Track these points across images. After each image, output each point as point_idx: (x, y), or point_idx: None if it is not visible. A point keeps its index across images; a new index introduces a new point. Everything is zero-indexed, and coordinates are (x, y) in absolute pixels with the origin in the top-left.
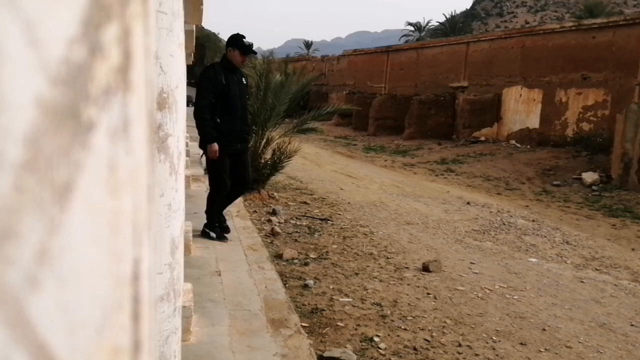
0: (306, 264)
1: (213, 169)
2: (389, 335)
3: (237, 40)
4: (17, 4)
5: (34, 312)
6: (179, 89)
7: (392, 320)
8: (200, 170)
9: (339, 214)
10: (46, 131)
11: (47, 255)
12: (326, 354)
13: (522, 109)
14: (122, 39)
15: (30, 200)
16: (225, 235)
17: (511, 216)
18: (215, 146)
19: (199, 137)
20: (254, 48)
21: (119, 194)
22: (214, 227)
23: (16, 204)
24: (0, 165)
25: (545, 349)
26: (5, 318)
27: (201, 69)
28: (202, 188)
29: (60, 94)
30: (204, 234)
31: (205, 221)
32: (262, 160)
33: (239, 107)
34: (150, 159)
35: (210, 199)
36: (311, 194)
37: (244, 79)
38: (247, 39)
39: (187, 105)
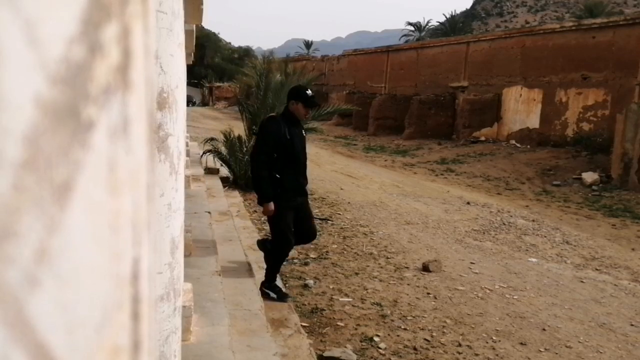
0: (306, 264)
1: (276, 225)
2: (389, 335)
3: (300, 93)
4: (17, 3)
5: (33, 311)
6: (179, 89)
7: (392, 320)
8: (200, 170)
9: (339, 214)
10: (45, 130)
11: (46, 255)
12: (326, 354)
13: (522, 108)
14: (121, 38)
15: (29, 199)
16: (286, 292)
17: (511, 216)
18: (272, 206)
19: (254, 189)
20: (254, 48)
21: (119, 194)
22: (274, 286)
23: (15, 203)
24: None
25: (545, 349)
26: (5, 317)
27: (201, 69)
28: (203, 188)
29: (59, 93)
30: (263, 295)
31: (263, 279)
32: None
33: (302, 162)
34: (150, 158)
35: (272, 257)
36: (311, 194)
37: (303, 132)
38: (310, 92)
39: (187, 105)
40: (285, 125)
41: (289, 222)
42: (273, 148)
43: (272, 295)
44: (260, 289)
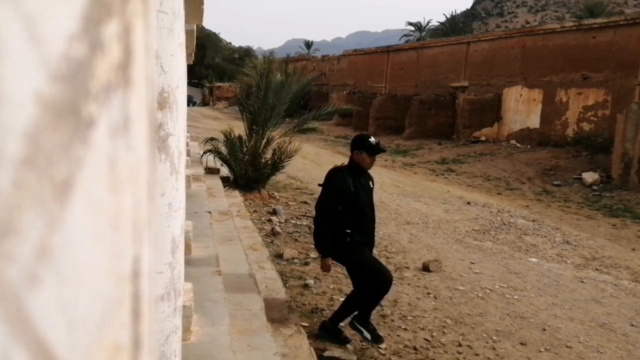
0: (306, 264)
1: (362, 269)
2: (389, 335)
3: (363, 141)
4: (18, 1)
5: (33, 309)
6: (180, 89)
7: (392, 320)
8: (200, 170)
9: None
10: (46, 127)
11: (47, 252)
12: (326, 354)
13: (522, 108)
14: (122, 36)
15: (30, 196)
16: (381, 335)
17: (511, 216)
18: (329, 261)
19: (314, 241)
20: (254, 48)
21: (119, 191)
22: (368, 323)
23: (16, 200)
24: (0, 161)
25: (546, 349)
26: (5, 314)
27: (201, 69)
28: (203, 188)
29: (60, 90)
30: (354, 329)
31: (353, 319)
32: (263, 160)
33: (369, 214)
34: (150, 156)
35: (357, 297)
36: (311, 194)
37: (370, 182)
38: (373, 139)
39: (188, 105)
40: (350, 177)
41: (373, 258)
42: (337, 201)
43: (366, 334)
44: (351, 323)
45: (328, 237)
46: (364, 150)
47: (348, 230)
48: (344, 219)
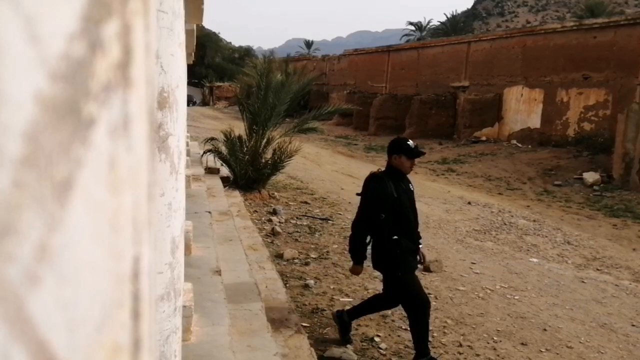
0: (307, 264)
1: (405, 288)
2: (389, 335)
3: (401, 144)
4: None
5: (33, 309)
6: (180, 89)
7: (393, 321)
8: (200, 170)
9: (340, 214)
10: (46, 127)
11: (47, 252)
12: (327, 354)
13: (523, 108)
14: (122, 35)
15: (29, 196)
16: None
17: (512, 216)
18: (360, 269)
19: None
20: (254, 48)
21: (119, 191)
22: (430, 358)
23: (16, 200)
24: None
25: (546, 349)
26: (5, 315)
27: (201, 69)
28: (203, 188)
29: (60, 90)
30: None
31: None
32: (263, 160)
33: (412, 219)
34: (150, 156)
35: (416, 323)
36: (312, 194)
37: (410, 185)
38: (411, 142)
39: (188, 105)
40: (391, 183)
41: (416, 282)
42: (380, 209)
43: None
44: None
45: (364, 245)
46: (402, 153)
47: (395, 237)
48: (389, 226)
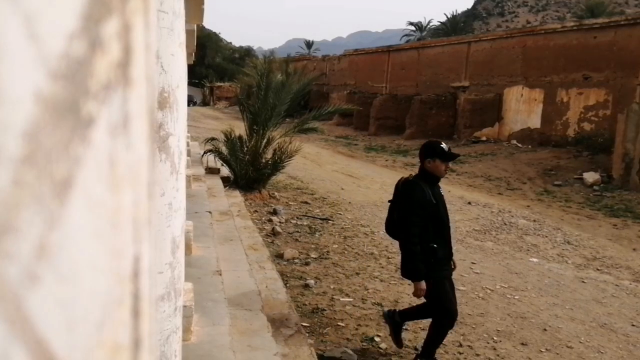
0: (307, 264)
1: (436, 296)
2: (390, 335)
3: (435, 148)
4: None
5: (33, 307)
6: (180, 89)
7: None
8: (201, 170)
9: (340, 214)
10: (46, 126)
11: (46, 251)
12: (327, 354)
13: (523, 108)
14: (122, 34)
15: (29, 194)
16: None
17: (512, 216)
18: (423, 284)
19: (402, 265)
20: (255, 48)
21: (119, 190)
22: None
23: (15, 199)
24: None
25: (546, 349)
26: (4, 313)
27: (202, 69)
28: (203, 188)
29: (60, 88)
30: None
31: (419, 352)
32: (263, 160)
33: (448, 226)
34: (150, 155)
35: (436, 330)
36: (312, 194)
37: (441, 190)
38: (444, 144)
39: (188, 105)
40: (428, 189)
41: (448, 290)
42: (423, 217)
43: None
44: (416, 359)
45: (420, 258)
46: (436, 157)
47: (434, 245)
48: (427, 234)
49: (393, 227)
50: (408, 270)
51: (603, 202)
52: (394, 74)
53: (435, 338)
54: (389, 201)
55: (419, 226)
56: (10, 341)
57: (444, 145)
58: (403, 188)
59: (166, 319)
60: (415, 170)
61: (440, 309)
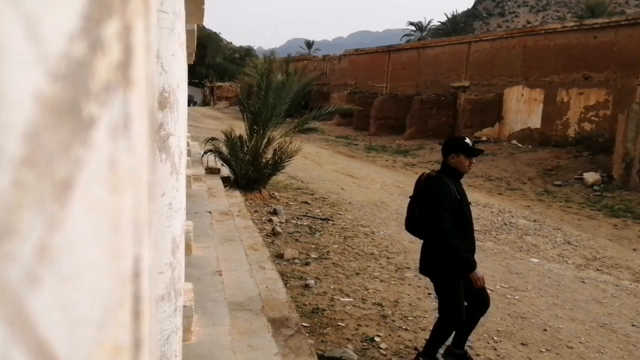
0: (307, 264)
1: (450, 297)
2: (390, 335)
3: (460, 143)
4: None
5: (34, 309)
6: (180, 89)
7: (393, 320)
8: (201, 170)
9: (340, 214)
10: (46, 127)
11: (47, 252)
12: (327, 354)
13: (523, 108)
14: (122, 35)
15: (30, 196)
16: None
17: (512, 216)
18: (480, 273)
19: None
20: (255, 48)
21: (120, 191)
22: (433, 358)
23: (16, 200)
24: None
25: (547, 349)
26: (5, 315)
27: (202, 69)
28: (204, 188)
29: (60, 89)
30: None
31: (422, 349)
32: (263, 160)
33: (471, 222)
34: (151, 156)
35: (440, 329)
36: (312, 194)
37: (463, 186)
38: (468, 140)
39: (188, 105)
40: (452, 184)
41: (461, 292)
42: (451, 211)
43: None
44: (417, 358)
45: (464, 247)
46: (461, 152)
47: (456, 241)
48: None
49: (415, 224)
50: (459, 264)
51: (603, 202)
52: (394, 74)
53: (438, 337)
54: (409, 197)
55: (451, 220)
56: (11, 343)
57: (468, 140)
58: (426, 184)
59: (166, 319)
60: (415, 170)
61: (450, 308)
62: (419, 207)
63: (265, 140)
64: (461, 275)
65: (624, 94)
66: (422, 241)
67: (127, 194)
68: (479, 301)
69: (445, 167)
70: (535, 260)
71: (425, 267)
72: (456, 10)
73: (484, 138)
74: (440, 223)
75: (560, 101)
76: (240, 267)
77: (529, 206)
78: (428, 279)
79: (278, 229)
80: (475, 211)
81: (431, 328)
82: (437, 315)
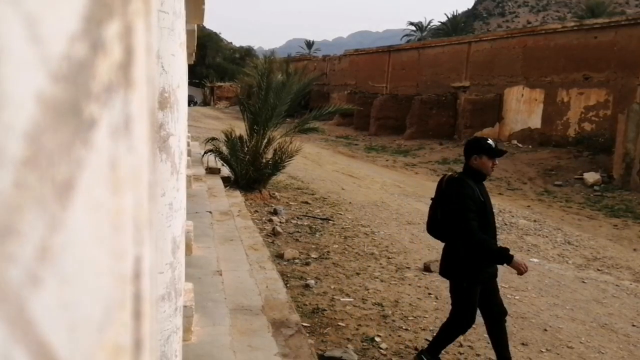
0: (307, 264)
1: (464, 301)
2: (390, 335)
3: (482, 144)
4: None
5: (35, 309)
6: (181, 89)
7: (394, 321)
8: (201, 170)
9: (340, 214)
10: (47, 128)
11: (48, 253)
12: (327, 354)
13: (523, 109)
14: (123, 36)
15: (31, 197)
16: None
17: (513, 216)
18: (518, 258)
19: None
20: (255, 48)
21: (120, 192)
22: (436, 358)
23: (17, 201)
24: (1, 161)
25: (547, 349)
26: (6, 316)
27: (202, 69)
28: (204, 188)
29: (61, 90)
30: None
31: (424, 348)
32: (264, 160)
33: (494, 225)
34: (151, 156)
35: (448, 330)
36: (312, 194)
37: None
38: (491, 140)
39: (189, 105)
40: (475, 187)
41: (476, 299)
42: (475, 212)
43: None
44: (419, 356)
45: (493, 241)
46: (483, 153)
47: (485, 237)
48: None
49: (436, 226)
50: (497, 254)
51: (603, 202)
52: (394, 74)
53: (444, 337)
54: (431, 199)
55: (476, 220)
56: (12, 343)
57: (490, 141)
58: (449, 185)
59: (167, 319)
60: (415, 170)
61: (462, 311)
62: (441, 208)
63: (266, 140)
64: (480, 279)
65: (624, 94)
66: (424, 238)
67: (128, 194)
68: (493, 309)
69: (467, 169)
70: (535, 260)
71: (445, 269)
72: (456, 11)
73: None
74: (466, 223)
75: (560, 101)
76: (241, 267)
77: (529, 206)
78: (429, 280)
79: (278, 229)
80: None
81: (431, 328)
82: (436, 315)
